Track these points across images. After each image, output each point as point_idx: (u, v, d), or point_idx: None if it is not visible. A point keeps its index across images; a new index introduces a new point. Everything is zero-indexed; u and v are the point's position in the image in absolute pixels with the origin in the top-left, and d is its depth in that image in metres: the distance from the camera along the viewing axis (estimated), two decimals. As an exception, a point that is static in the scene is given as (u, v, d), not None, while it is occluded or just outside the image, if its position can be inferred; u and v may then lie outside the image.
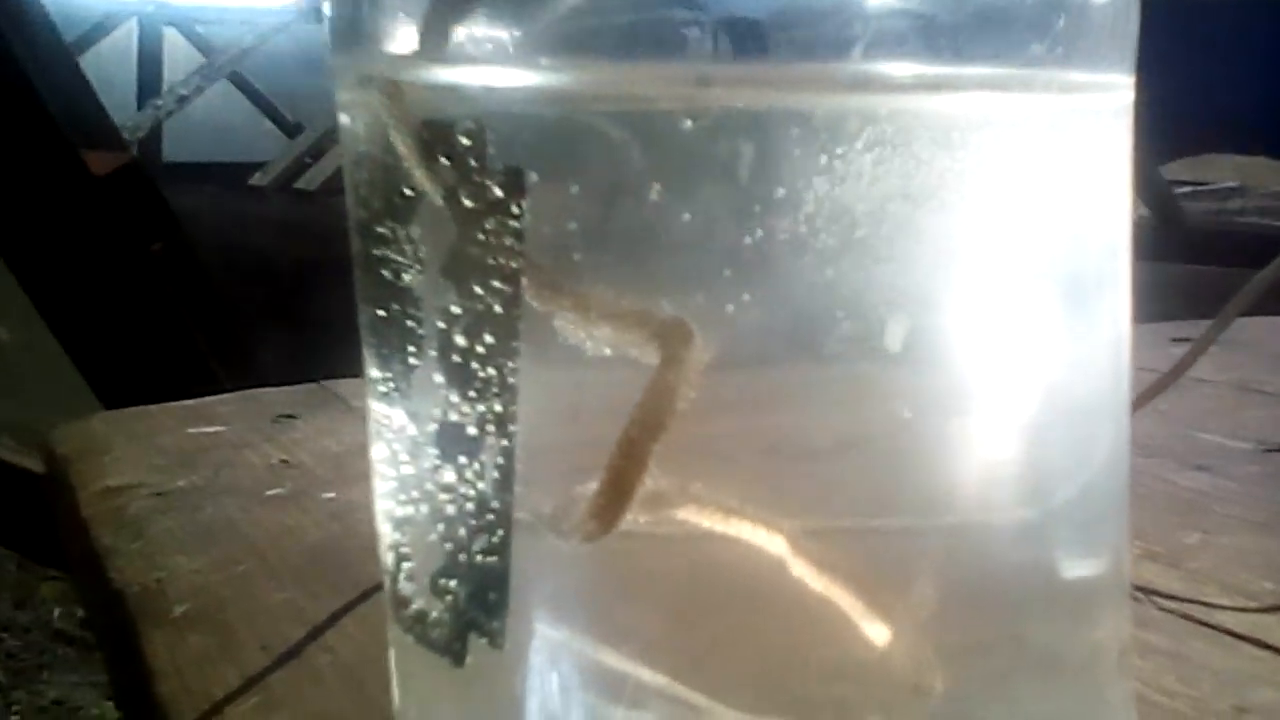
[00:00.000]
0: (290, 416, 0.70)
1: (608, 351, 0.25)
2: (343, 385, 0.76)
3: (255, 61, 5.02)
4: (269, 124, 5.17)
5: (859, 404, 0.25)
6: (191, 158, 4.15)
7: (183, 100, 4.55)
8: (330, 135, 4.37)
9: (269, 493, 0.57)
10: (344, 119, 0.28)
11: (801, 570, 0.26)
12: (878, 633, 0.26)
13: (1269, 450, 0.62)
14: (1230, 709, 0.35)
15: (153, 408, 0.73)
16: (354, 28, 0.28)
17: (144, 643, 0.43)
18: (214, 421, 0.70)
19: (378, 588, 0.44)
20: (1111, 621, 0.29)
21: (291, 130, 4.75)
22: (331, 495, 0.56)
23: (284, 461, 0.62)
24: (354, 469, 0.60)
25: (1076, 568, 0.28)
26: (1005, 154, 0.24)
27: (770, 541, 0.26)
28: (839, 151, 0.23)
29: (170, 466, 0.61)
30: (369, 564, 0.47)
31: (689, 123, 0.24)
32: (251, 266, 2.96)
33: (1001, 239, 0.25)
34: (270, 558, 0.49)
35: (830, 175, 0.23)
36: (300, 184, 4.06)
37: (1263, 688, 0.37)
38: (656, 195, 0.24)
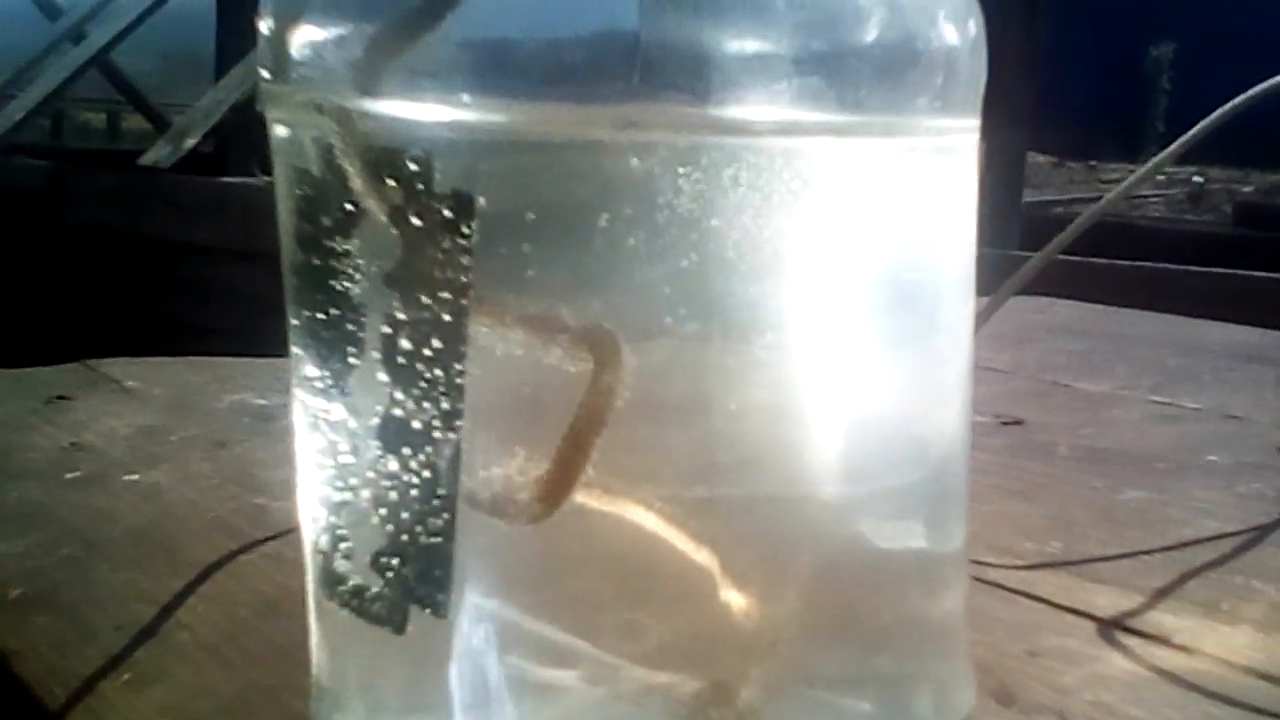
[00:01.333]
0: (64, 398, 0.69)
1: (520, 353, 0.28)
2: (109, 365, 0.76)
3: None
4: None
5: (747, 398, 0.30)
6: None
7: None
8: (3, 92, 4.16)
9: (68, 475, 0.57)
10: (280, 132, 0.31)
11: (684, 546, 0.30)
12: (743, 599, 0.31)
13: (1006, 423, 0.69)
14: (1023, 653, 0.41)
15: (-92, 389, 0.72)
16: (287, 55, 0.30)
17: (-13, 626, 0.43)
18: (-18, 403, 0.69)
19: (215, 566, 0.46)
20: (961, 588, 0.34)
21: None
22: (135, 477, 0.57)
23: (74, 444, 0.62)
24: (148, 450, 0.61)
25: (934, 541, 0.33)
26: (891, 185, 0.29)
27: (651, 521, 0.30)
28: (755, 185, 0.27)
29: (-48, 450, 0.61)
30: (196, 545, 0.49)
31: (613, 157, 0.27)
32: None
33: (893, 254, 0.30)
34: (93, 540, 0.50)
35: (748, 206, 0.27)
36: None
37: (1044, 634, 0.43)
38: (576, 219, 0.27)
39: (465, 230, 0.27)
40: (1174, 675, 0.40)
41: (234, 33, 4.03)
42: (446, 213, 0.27)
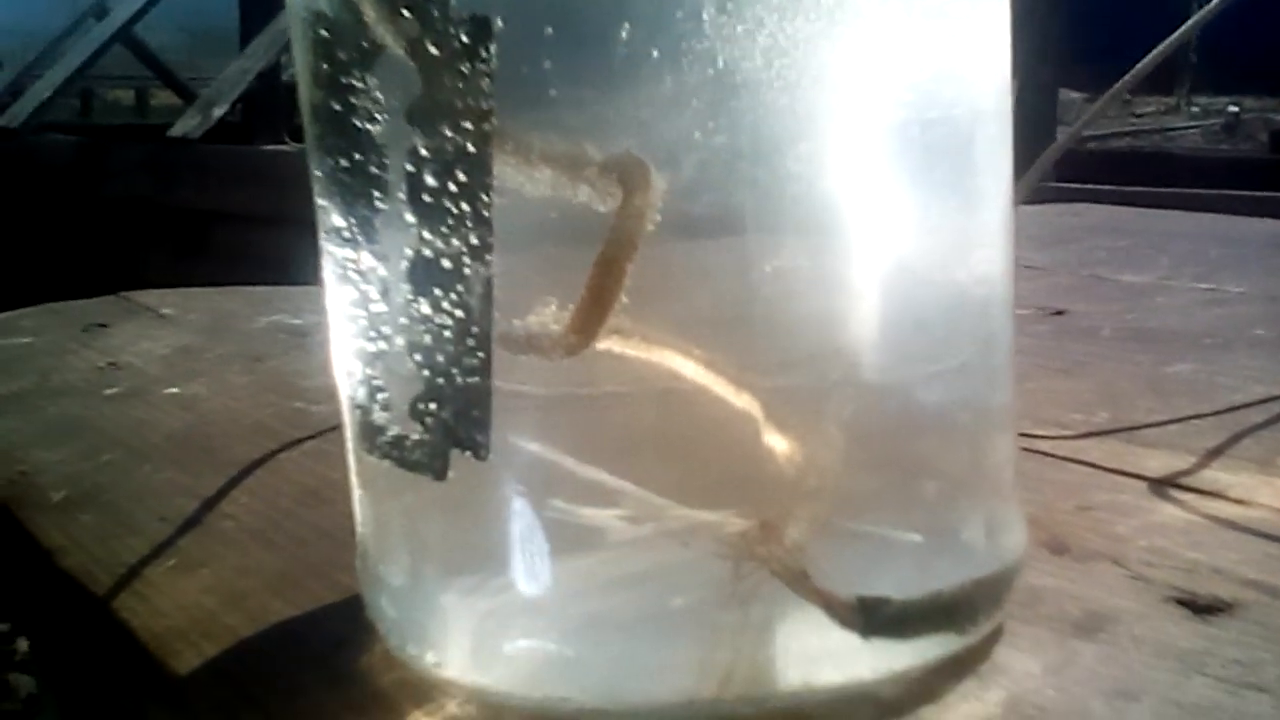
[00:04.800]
0: (101, 325, 0.70)
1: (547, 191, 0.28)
2: (145, 296, 0.76)
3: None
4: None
5: (781, 215, 0.29)
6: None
7: None
8: (30, 71, 4.18)
9: (108, 391, 0.58)
10: (295, -22, 0.30)
11: (724, 390, 0.29)
12: (786, 441, 0.30)
13: (1050, 314, 0.68)
14: (1074, 508, 0.41)
15: (-54, 325, 0.72)
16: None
17: (31, 527, 0.43)
18: (21, 334, 0.69)
19: (256, 463, 0.46)
20: (1009, 429, 0.34)
21: (-12, 67, 4.53)
22: (175, 390, 0.57)
23: (112, 364, 0.62)
24: (185, 367, 0.61)
25: (987, 401, 0.33)
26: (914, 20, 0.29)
27: (690, 367, 0.29)
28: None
29: (-9, 374, 0.61)
30: (237, 445, 0.49)
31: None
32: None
33: (925, 71, 0.29)
34: (135, 446, 0.50)
35: (772, 12, 0.26)
36: (2, 121, 3.88)
37: (1094, 491, 0.42)
38: (597, 32, 0.27)
39: (484, 54, 0.27)
40: (1230, 522, 0.39)
41: (257, 2, 4.03)
42: (464, 38, 0.27)
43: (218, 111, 3.75)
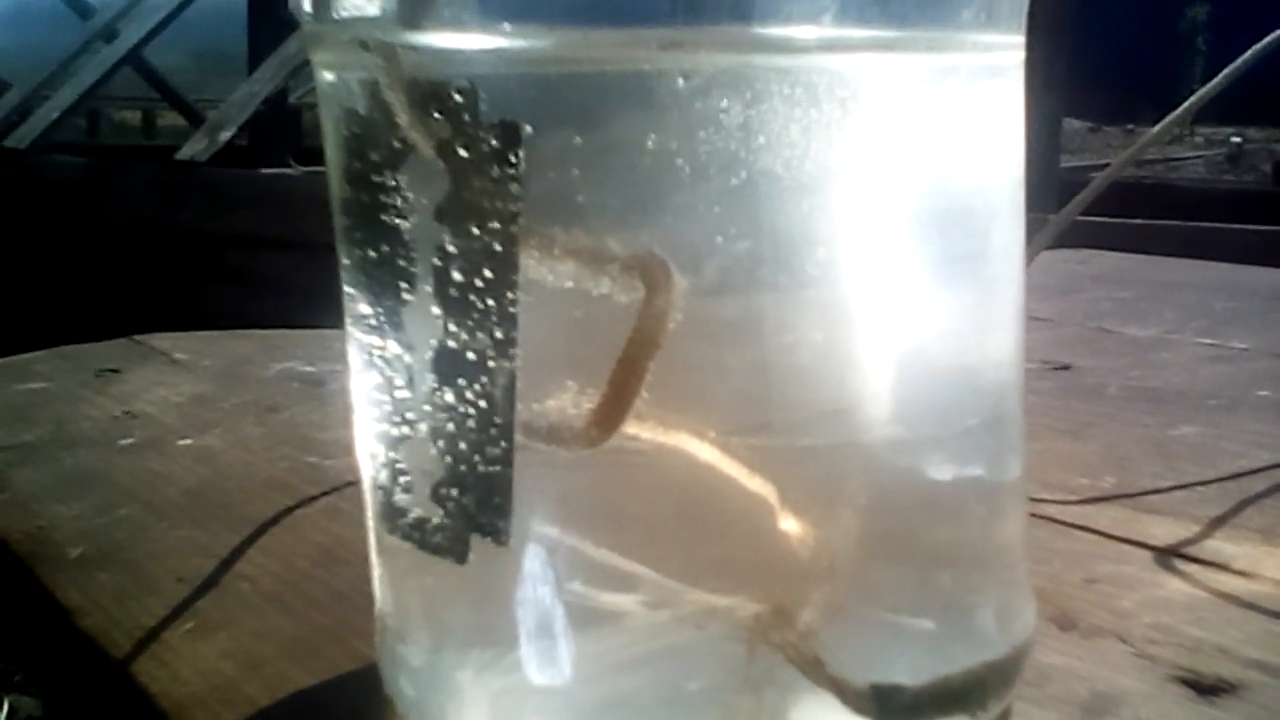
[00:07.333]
0: (114, 371, 0.70)
1: (571, 285, 0.28)
2: (158, 340, 0.77)
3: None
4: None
5: (801, 318, 0.30)
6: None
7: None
8: (38, 92, 4.19)
9: (123, 442, 0.58)
10: (327, 76, 0.31)
11: (739, 474, 0.30)
12: (800, 525, 0.31)
13: (1055, 368, 0.69)
14: (1081, 580, 0.41)
15: (-41, 367, 0.73)
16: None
17: (49, 585, 0.44)
18: (34, 379, 0.70)
19: (272, 521, 0.47)
20: (1020, 511, 0.34)
21: (-3, 87, 4.54)
22: (189, 441, 0.58)
23: (127, 413, 0.63)
24: (200, 417, 0.62)
25: (991, 466, 0.33)
26: (938, 104, 0.29)
27: (706, 451, 0.30)
28: (802, 102, 0.27)
29: (8, 422, 0.62)
30: (252, 502, 0.49)
31: (658, 78, 0.27)
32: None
33: (941, 173, 0.30)
34: (150, 501, 0.51)
35: (795, 124, 0.27)
36: (10, 142, 3.89)
37: (1101, 563, 0.43)
38: (624, 142, 0.28)
39: (513, 159, 0.27)
40: (1234, 598, 0.40)
41: (266, 26, 4.05)
42: (494, 142, 0.27)
43: (225, 135, 3.76)
